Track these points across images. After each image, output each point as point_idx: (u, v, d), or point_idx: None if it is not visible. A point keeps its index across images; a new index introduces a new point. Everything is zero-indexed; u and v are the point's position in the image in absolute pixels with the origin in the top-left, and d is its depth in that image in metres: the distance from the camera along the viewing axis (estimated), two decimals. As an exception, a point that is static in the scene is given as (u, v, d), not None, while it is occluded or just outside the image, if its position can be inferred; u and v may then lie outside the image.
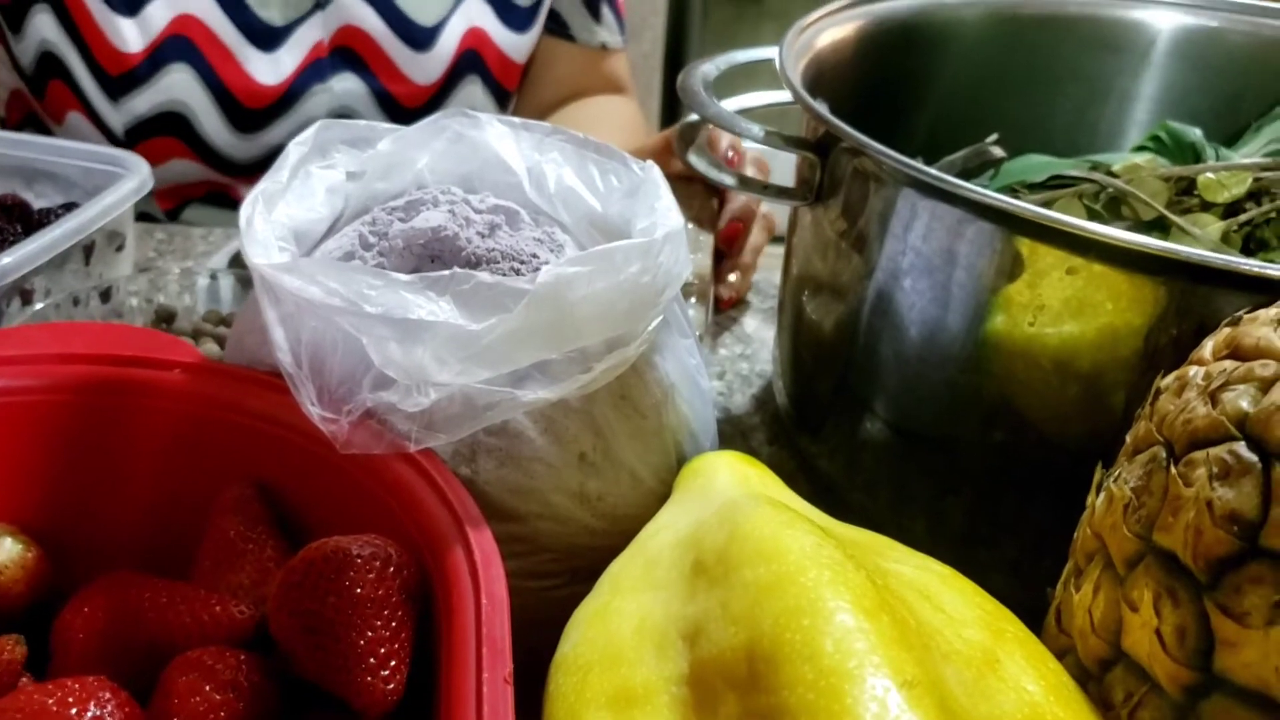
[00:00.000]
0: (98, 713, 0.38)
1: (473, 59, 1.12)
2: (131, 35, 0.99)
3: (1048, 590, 0.45)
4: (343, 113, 1.09)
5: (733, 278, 0.88)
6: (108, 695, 0.39)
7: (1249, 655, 0.34)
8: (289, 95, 1.06)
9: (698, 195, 0.89)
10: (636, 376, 0.50)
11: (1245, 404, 0.36)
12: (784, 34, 0.66)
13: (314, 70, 1.06)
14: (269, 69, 1.04)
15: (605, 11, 1.23)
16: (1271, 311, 0.39)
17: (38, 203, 0.78)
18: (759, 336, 0.84)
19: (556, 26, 1.21)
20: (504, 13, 1.12)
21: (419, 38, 1.09)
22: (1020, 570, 0.55)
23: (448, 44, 1.09)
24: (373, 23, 1.06)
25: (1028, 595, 0.46)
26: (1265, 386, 0.36)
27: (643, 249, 0.47)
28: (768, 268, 0.93)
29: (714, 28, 3.02)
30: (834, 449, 0.65)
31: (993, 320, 0.53)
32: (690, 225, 0.85)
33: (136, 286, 0.71)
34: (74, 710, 0.38)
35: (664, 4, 2.78)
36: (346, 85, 1.08)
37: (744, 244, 0.89)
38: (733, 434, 0.72)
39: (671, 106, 2.82)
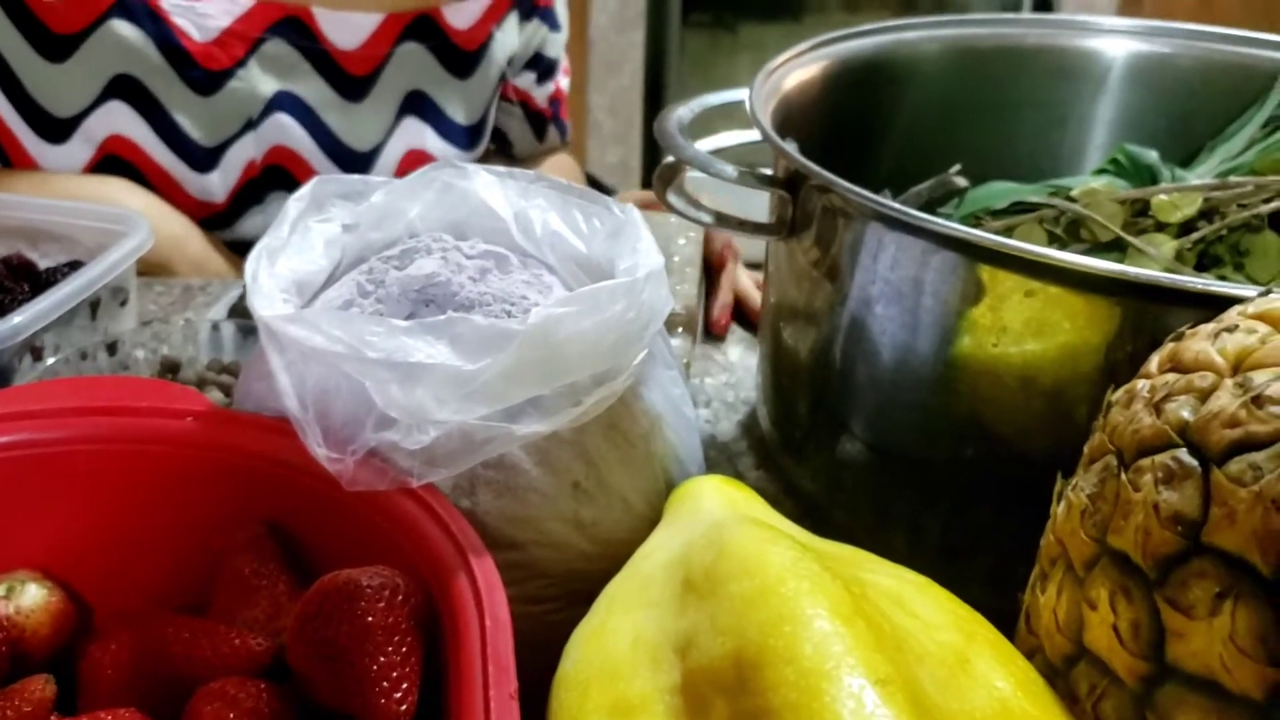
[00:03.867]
0: (129, 742, 0.41)
1: None
2: (63, 162, 0.99)
3: (1018, 595, 0.48)
4: None
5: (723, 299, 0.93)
6: (138, 725, 0.41)
7: (1196, 644, 0.36)
8: (225, 216, 1.06)
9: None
10: (625, 408, 0.53)
11: (1186, 413, 0.39)
12: (758, 67, 0.69)
13: (248, 191, 1.06)
14: (203, 191, 1.03)
15: (551, 131, 1.25)
16: (1209, 326, 0.42)
17: (43, 262, 0.80)
18: (743, 364, 0.87)
19: (501, 145, 1.23)
20: (445, 131, 1.12)
21: (353, 162, 1.08)
22: (997, 580, 0.58)
23: (385, 166, 1.09)
24: (305, 145, 1.05)
25: (1005, 603, 0.48)
26: (1203, 396, 0.39)
27: (626, 288, 0.50)
28: (749, 298, 0.97)
29: (691, 59, 3.07)
30: (816, 471, 0.67)
31: (959, 343, 0.56)
32: (675, 258, 0.88)
33: (141, 339, 0.74)
34: (108, 740, 0.40)
35: (641, 38, 2.83)
36: (281, 207, 1.06)
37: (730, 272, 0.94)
38: (720, 459, 0.75)
39: (651, 139, 2.86)
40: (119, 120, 0.99)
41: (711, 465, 0.61)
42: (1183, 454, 0.38)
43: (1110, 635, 0.39)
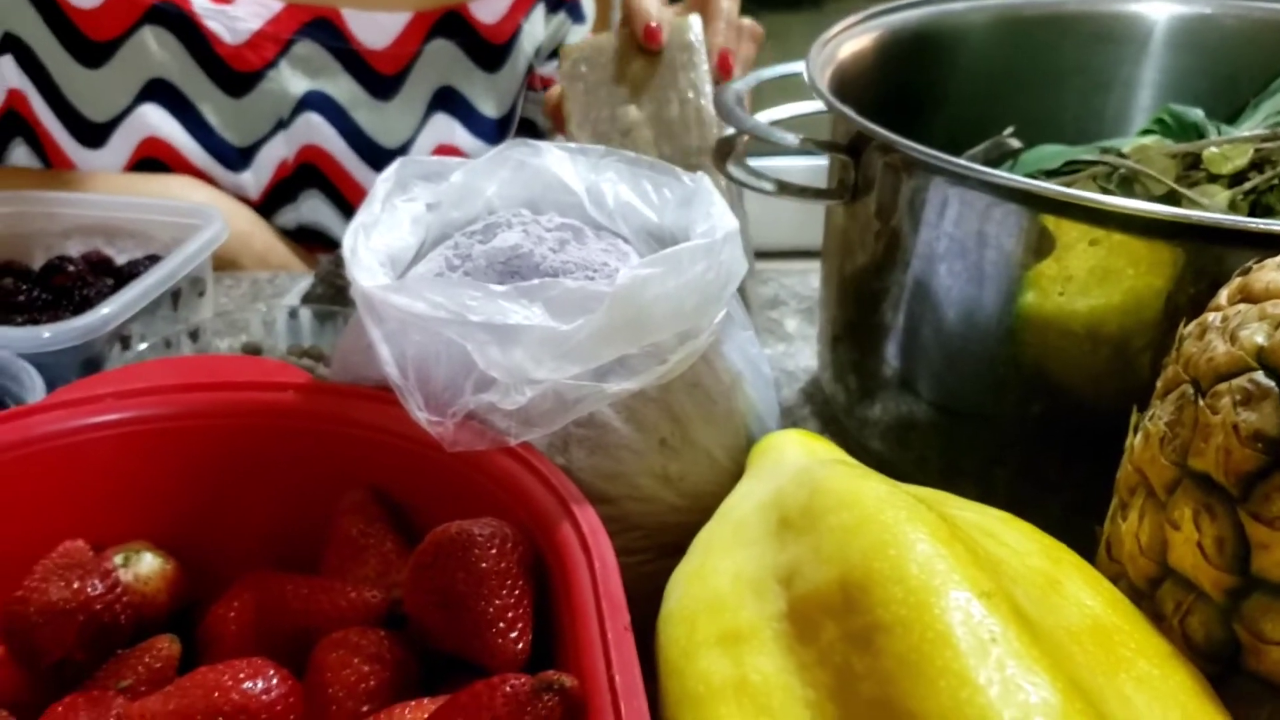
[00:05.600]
0: (265, 685, 0.43)
1: None
2: (101, 166, 1.02)
3: (1095, 527, 0.50)
4: (312, 230, 1.11)
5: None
6: (271, 671, 0.44)
7: (1281, 554, 0.38)
8: (259, 213, 1.07)
9: None
10: (706, 366, 0.55)
11: (1260, 339, 0.40)
12: (781, 56, 0.71)
13: (281, 190, 1.08)
14: (237, 189, 1.06)
15: None
16: (1277, 259, 0.44)
17: (119, 257, 0.83)
18: (800, 334, 0.89)
19: (531, 133, 1.23)
20: (474, 126, 1.13)
21: (383, 159, 1.07)
22: (1067, 526, 0.60)
23: None
24: (335, 144, 1.07)
25: (1077, 544, 0.50)
26: (1277, 323, 0.41)
27: (706, 249, 0.52)
28: (801, 273, 0.99)
29: (716, 52, 3.07)
30: (884, 431, 0.69)
31: (1025, 295, 0.58)
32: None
33: (221, 326, 0.76)
34: (245, 684, 0.43)
35: (665, 33, 2.83)
36: (314, 204, 1.09)
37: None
38: (785, 424, 0.77)
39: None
40: (153, 123, 1.01)
41: (778, 430, 0.63)
42: (1259, 376, 0.40)
43: (1195, 553, 0.41)
